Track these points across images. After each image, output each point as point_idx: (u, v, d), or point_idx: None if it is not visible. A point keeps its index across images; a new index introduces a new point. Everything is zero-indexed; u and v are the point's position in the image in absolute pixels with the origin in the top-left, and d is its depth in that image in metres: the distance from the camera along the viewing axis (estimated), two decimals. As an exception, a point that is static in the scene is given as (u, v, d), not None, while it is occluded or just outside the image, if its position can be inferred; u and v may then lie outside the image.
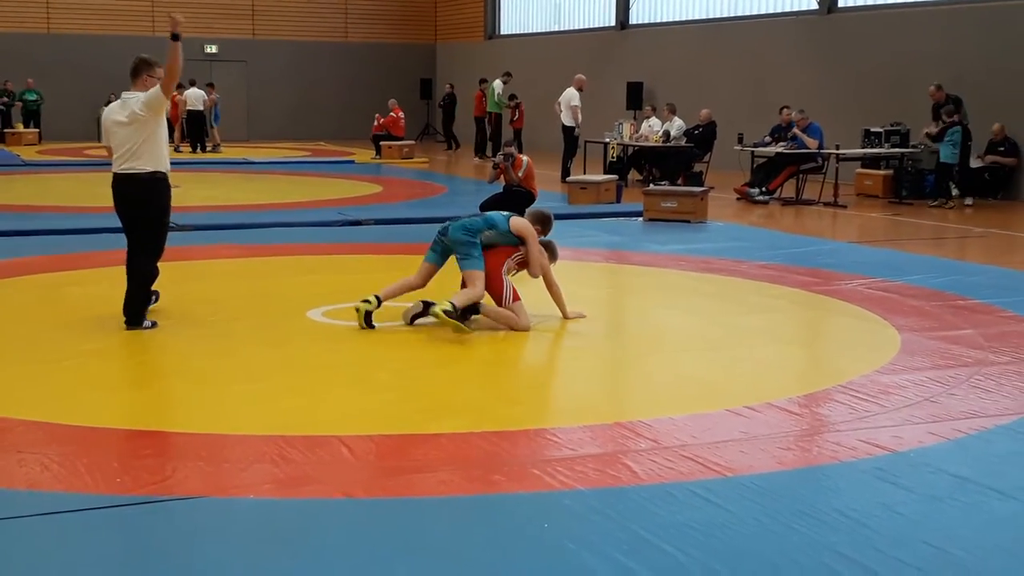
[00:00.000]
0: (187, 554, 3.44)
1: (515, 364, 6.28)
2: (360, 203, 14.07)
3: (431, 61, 31.46)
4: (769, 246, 10.32)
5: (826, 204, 14.43)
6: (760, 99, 18.82)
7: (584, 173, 16.61)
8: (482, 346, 6.27)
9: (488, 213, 7.02)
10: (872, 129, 15.68)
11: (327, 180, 17.74)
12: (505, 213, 7.02)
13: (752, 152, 15.56)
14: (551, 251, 7.08)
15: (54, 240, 10.26)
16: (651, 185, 14.56)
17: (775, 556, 3.42)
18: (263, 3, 29.88)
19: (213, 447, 4.46)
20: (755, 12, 20.37)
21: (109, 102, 30.12)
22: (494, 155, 17.58)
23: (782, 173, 15.05)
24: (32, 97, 26.34)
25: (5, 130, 25.81)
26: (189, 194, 13.10)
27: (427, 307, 6.68)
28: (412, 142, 23.35)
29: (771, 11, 20.00)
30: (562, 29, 26.35)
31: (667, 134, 16.85)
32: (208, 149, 23.49)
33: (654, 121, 17.56)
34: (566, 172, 16.99)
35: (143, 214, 6.74)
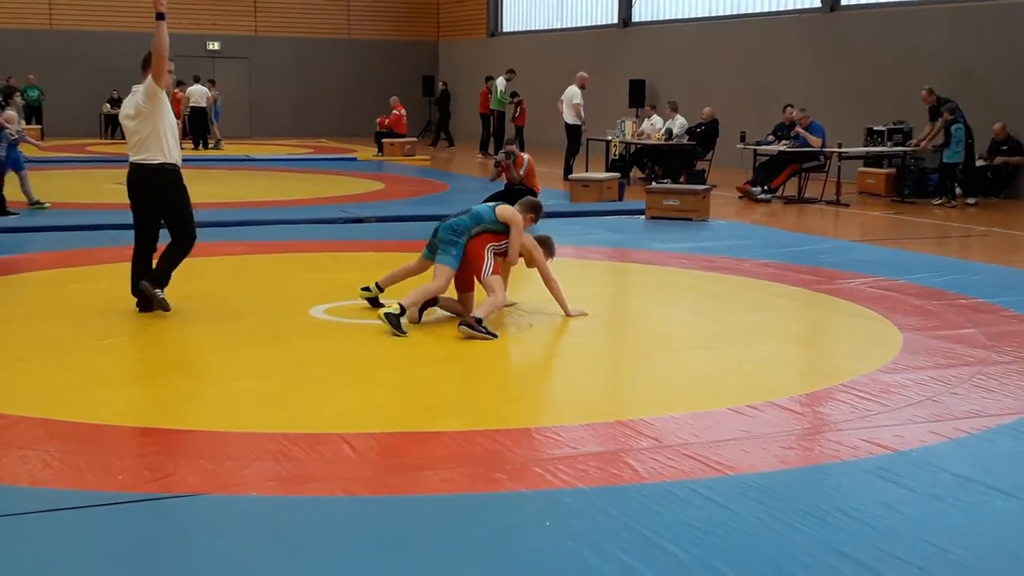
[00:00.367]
0: (189, 551, 3.44)
1: (517, 362, 6.28)
2: (362, 200, 14.08)
3: (434, 58, 31.45)
4: (771, 244, 10.31)
5: (828, 203, 14.43)
6: (763, 97, 18.81)
7: (586, 171, 16.61)
8: (484, 344, 6.27)
9: (475, 208, 6.99)
10: (875, 128, 15.67)
11: (329, 177, 17.74)
12: (491, 204, 7.07)
13: (754, 150, 15.55)
14: (548, 246, 7.08)
15: (56, 236, 10.26)
16: (653, 183, 14.55)
17: (777, 555, 3.42)
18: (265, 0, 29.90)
19: (215, 444, 4.47)
20: (758, 10, 20.36)
21: (111, 98, 30.01)
22: (496, 153, 17.58)
23: (784, 171, 15.04)
24: (33, 94, 26.34)
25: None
26: (191, 191, 13.06)
27: (434, 301, 6.82)
28: (414, 139, 23.35)
29: (774, 9, 19.99)
30: (565, 26, 26.33)
31: (669, 132, 16.85)
32: (211, 146, 23.51)
33: (656, 119, 17.55)
34: (568, 170, 16.98)
35: (158, 206, 6.91)
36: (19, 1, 27.79)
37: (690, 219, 12.04)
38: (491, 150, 21.52)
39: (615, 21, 23.98)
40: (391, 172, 18.97)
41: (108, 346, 6.16)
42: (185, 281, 8.04)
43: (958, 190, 14.43)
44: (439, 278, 6.64)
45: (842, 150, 14.85)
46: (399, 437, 4.60)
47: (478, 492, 3.98)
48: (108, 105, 27.61)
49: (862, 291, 7.94)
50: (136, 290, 6.91)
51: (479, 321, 6.34)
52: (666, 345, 6.48)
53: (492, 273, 6.70)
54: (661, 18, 22.92)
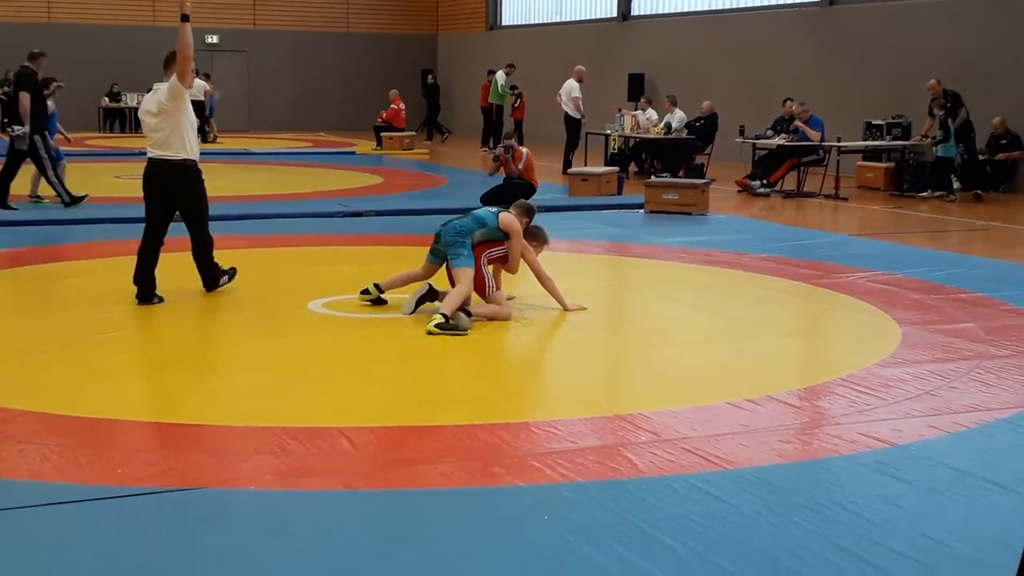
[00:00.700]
0: (188, 545, 3.44)
1: (515, 356, 6.28)
2: (361, 194, 14.06)
3: (432, 52, 31.41)
4: (770, 238, 10.31)
5: (827, 197, 14.42)
6: (762, 91, 18.79)
7: (585, 165, 16.60)
8: (483, 338, 6.27)
9: (477, 212, 7.01)
10: (874, 122, 15.66)
11: (328, 171, 17.73)
12: (493, 209, 7.06)
13: (753, 144, 15.54)
14: (539, 236, 7.09)
15: (53, 230, 10.25)
16: (652, 177, 14.54)
17: (775, 549, 3.42)
18: (264, -7, 29.87)
19: (214, 438, 4.47)
20: (757, 3, 20.33)
21: (110, 92, 30.02)
22: (494, 147, 17.56)
23: (783, 165, 15.03)
24: None
25: (5, 120, 25.78)
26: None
27: (434, 293, 6.78)
28: (413, 133, 23.32)
29: (773, 2, 19.96)
30: (564, 20, 26.29)
31: (668, 126, 16.83)
32: (209, 139, 23.49)
33: (651, 112, 17.52)
34: (568, 164, 16.97)
35: (177, 201, 7.09)
36: (18, -5, 27.76)
37: (689, 213, 12.04)
38: (491, 144, 21.49)
39: (614, 15, 23.96)
40: (390, 166, 18.95)
41: (107, 340, 6.16)
42: (183, 275, 8.04)
43: (956, 184, 14.43)
44: (464, 281, 6.57)
45: (841, 144, 14.84)
46: (398, 431, 4.60)
47: (477, 486, 3.98)
48: (107, 99, 27.58)
49: (861, 285, 7.94)
50: (137, 279, 7.03)
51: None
52: (665, 339, 6.48)
53: (496, 290, 6.74)
54: (660, 12, 22.90)
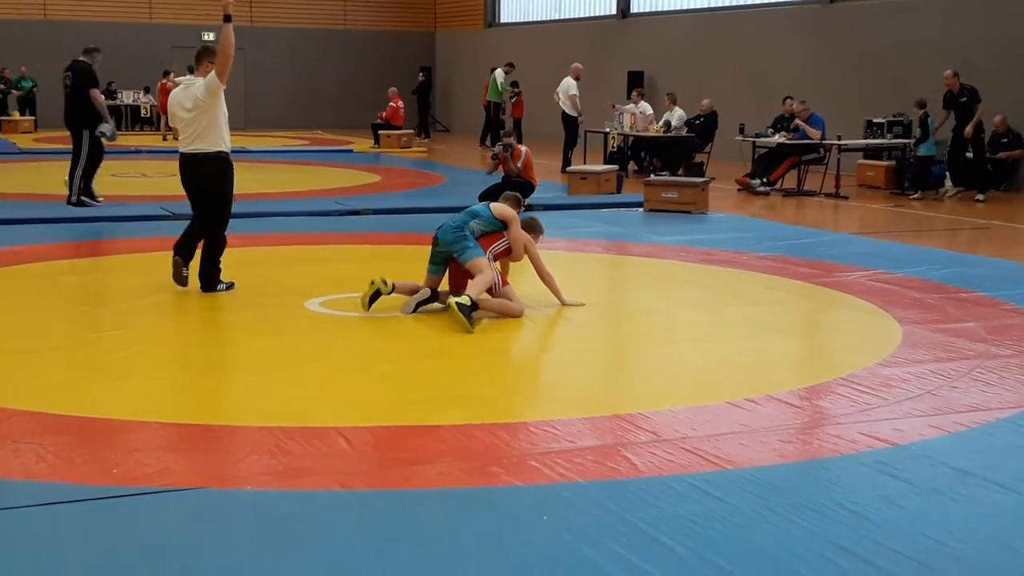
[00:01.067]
0: (184, 545, 3.41)
1: (514, 355, 6.25)
2: (359, 192, 14.04)
3: (431, 49, 31.38)
4: (770, 237, 10.29)
5: (827, 195, 14.40)
6: (762, 89, 18.78)
7: (584, 163, 16.58)
8: (481, 337, 6.25)
9: (470, 207, 7.02)
10: (874, 120, 15.64)
11: (325, 169, 17.70)
12: (485, 202, 7.05)
13: (753, 143, 15.51)
14: (535, 227, 7.09)
15: (49, 228, 10.22)
16: (652, 175, 14.52)
17: (775, 549, 3.40)
18: (261, -10, 29.83)
19: (210, 438, 4.45)
20: (757, 1, 20.31)
21: (107, 89, 30.03)
22: (493, 145, 17.54)
23: (783, 164, 15.02)
24: (27, 85, 26.26)
25: (1, 118, 25.75)
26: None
27: (435, 295, 6.72)
28: (411, 131, 23.30)
29: (773, 0, 19.94)
30: (563, 17, 26.28)
31: (668, 124, 16.80)
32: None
33: (644, 105, 17.47)
34: (567, 162, 16.95)
35: (207, 191, 7.26)
36: (14, -8, 27.72)
37: (689, 212, 12.02)
38: (489, 142, 21.47)
39: (613, 12, 23.94)
40: (388, 164, 18.93)
41: (102, 339, 6.13)
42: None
43: (948, 183, 14.44)
44: (484, 270, 6.54)
45: (841, 142, 14.82)
46: (395, 431, 4.58)
47: (475, 486, 3.96)
48: (103, 96, 27.54)
49: (861, 284, 7.92)
50: (201, 272, 7.30)
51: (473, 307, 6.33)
52: (664, 338, 6.46)
53: (504, 285, 6.72)
54: (659, 9, 22.88)
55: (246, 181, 12.18)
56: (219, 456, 4.20)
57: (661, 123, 16.92)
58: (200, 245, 7.38)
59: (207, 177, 7.22)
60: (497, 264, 6.81)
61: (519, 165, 11.76)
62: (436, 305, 6.84)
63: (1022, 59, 15.03)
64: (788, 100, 15.53)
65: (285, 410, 4.82)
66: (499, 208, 6.92)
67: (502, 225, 6.85)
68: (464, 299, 6.30)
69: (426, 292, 6.76)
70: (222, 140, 7.17)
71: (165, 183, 13.08)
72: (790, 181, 15.15)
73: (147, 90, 27.16)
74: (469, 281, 6.61)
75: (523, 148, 11.99)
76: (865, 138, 15.56)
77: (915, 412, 4.87)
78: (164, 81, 23.95)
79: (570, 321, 6.75)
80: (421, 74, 27.26)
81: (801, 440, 4.57)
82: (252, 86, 29.50)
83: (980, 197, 13.95)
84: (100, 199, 11.79)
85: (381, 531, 3.53)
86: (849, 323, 6.95)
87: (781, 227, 11.31)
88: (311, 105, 29.88)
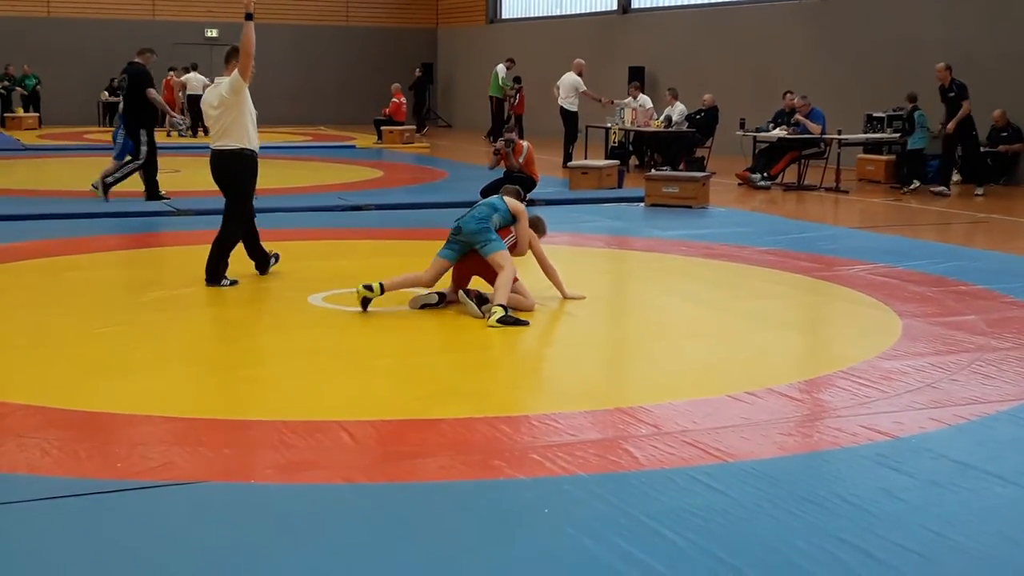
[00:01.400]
0: (187, 539, 3.43)
1: (516, 350, 6.26)
2: (361, 188, 14.04)
3: (432, 45, 31.36)
4: (771, 231, 10.30)
5: (828, 189, 14.40)
6: (762, 84, 18.76)
7: (585, 158, 16.58)
8: (483, 332, 6.27)
9: (487, 199, 7.05)
10: (874, 114, 15.63)
11: (328, 165, 17.71)
12: (497, 196, 7.08)
13: (754, 137, 15.51)
14: (539, 227, 7.13)
15: (54, 224, 10.24)
16: (653, 170, 14.53)
17: (776, 541, 3.42)
18: (264, -14, 29.82)
19: (214, 432, 4.46)
20: (758, -4, 20.29)
21: (109, 86, 30.02)
22: (495, 140, 17.54)
23: (784, 158, 15.01)
24: (31, 83, 26.28)
25: (5, 114, 25.77)
26: (189, 179, 13.08)
27: (442, 299, 6.75)
28: (413, 127, 23.29)
29: (774, -5, 19.93)
30: (564, 13, 26.25)
31: (669, 119, 16.80)
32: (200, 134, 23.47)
33: (643, 98, 17.47)
34: (568, 157, 16.96)
35: (230, 185, 7.50)
36: (18, -11, 27.72)
37: (689, 206, 12.02)
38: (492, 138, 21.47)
39: (614, 8, 23.91)
40: (390, 160, 18.93)
41: (105, 334, 6.15)
42: (184, 269, 8.04)
43: (956, 177, 14.42)
44: (506, 264, 6.57)
45: (842, 137, 14.81)
46: (398, 425, 4.60)
47: (477, 479, 3.98)
48: (106, 93, 27.53)
49: (862, 278, 7.93)
50: (252, 255, 7.71)
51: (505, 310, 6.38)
52: (665, 332, 6.48)
53: (515, 282, 6.71)
54: (660, 4, 22.85)
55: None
56: (223, 450, 4.22)
57: (662, 118, 16.91)
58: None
59: (232, 172, 7.43)
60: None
61: (520, 161, 11.77)
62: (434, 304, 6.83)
63: (1022, 53, 15.01)
64: (788, 95, 15.53)
65: (288, 404, 4.84)
66: (512, 203, 6.94)
67: (513, 219, 6.88)
68: (497, 313, 6.32)
69: (433, 296, 6.74)
70: (246, 137, 7.36)
71: (169, 179, 13.09)
72: (790, 175, 15.15)
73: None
74: (496, 282, 6.57)
75: (524, 144, 11.99)
76: (865, 132, 15.55)
77: (915, 405, 4.88)
78: (169, 78, 23.95)
79: (571, 315, 6.77)
80: (418, 70, 27.26)
81: (802, 433, 4.58)
82: (254, 82, 29.00)
83: (979, 191, 13.91)
84: (107, 199, 11.84)
85: (383, 524, 3.55)
86: (849, 316, 6.96)
87: (782, 221, 11.32)
88: (313, 101, 29.86)
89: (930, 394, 5.05)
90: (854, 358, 5.67)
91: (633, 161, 17.53)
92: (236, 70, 7.30)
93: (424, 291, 6.77)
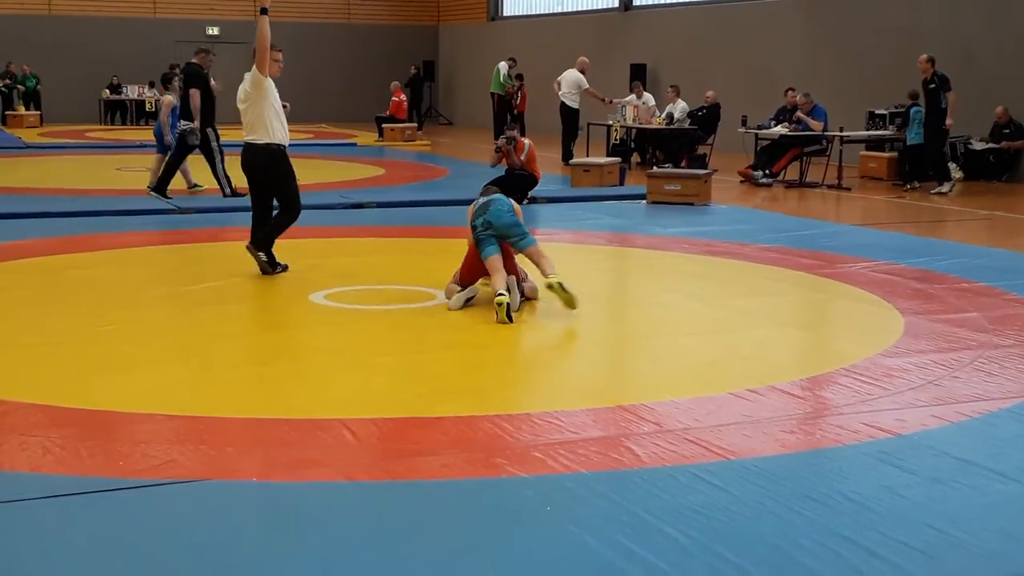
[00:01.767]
0: (189, 537, 3.43)
1: (518, 347, 6.26)
2: (362, 186, 14.04)
3: (434, 42, 31.36)
4: (773, 229, 10.29)
5: (830, 187, 14.39)
6: (764, 81, 18.75)
7: (587, 155, 16.58)
8: (484, 330, 6.26)
9: (497, 196, 7.04)
10: (876, 111, 15.62)
11: (329, 162, 17.71)
12: (499, 194, 7.11)
13: (756, 134, 15.50)
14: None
15: (55, 222, 10.25)
16: (655, 168, 14.52)
17: (778, 539, 3.41)
18: (265, -16, 29.78)
19: (216, 430, 4.46)
20: (759, -7, 20.27)
21: (111, 84, 30.00)
22: (495, 139, 17.53)
23: (786, 155, 15.01)
24: (31, 84, 26.29)
25: (6, 112, 25.79)
26: (195, 177, 13.07)
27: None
28: (415, 124, 23.29)
29: (775, -8, 19.91)
30: (566, 10, 26.25)
31: (670, 116, 16.79)
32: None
33: (647, 97, 17.47)
34: (569, 154, 16.95)
35: (265, 180, 7.67)
36: (18, -13, 27.73)
37: (691, 204, 12.02)
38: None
39: (616, 5, 23.90)
40: (391, 157, 18.93)
41: (107, 332, 6.15)
42: (186, 267, 8.04)
43: (959, 174, 14.41)
44: (542, 256, 6.75)
45: (844, 134, 14.80)
46: (400, 422, 4.60)
47: (479, 477, 3.97)
48: (107, 91, 27.55)
49: (864, 275, 7.93)
50: (249, 244, 7.72)
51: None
52: (667, 330, 6.47)
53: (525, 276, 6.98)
54: (662, 1, 22.84)
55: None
56: (224, 448, 4.22)
57: (663, 115, 16.91)
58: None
59: (263, 168, 7.59)
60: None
61: (522, 158, 11.76)
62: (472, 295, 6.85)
63: (1025, 49, 15.00)
64: (790, 92, 15.52)
65: (290, 402, 4.84)
66: (514, 202, 7.07)
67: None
68: (560, 278, 6.50)
69: (476, 289, 6.82)
70: (270, 131, 7.50)
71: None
72: (792, 173, 15.14)
73: (151, 85, 27.15)
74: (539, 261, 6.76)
75: (526, 141, 11.98)
76: (867, 129, 15.54)
77: (917, 402, 4.88)
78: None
79: (573, 313, 6.75)
80: (413, 67, 27.27)
81: (804, 430, 4.58)
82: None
83: (942, 190, 13.62)
84: (171, 199, 12.02)
85: (385, 522, 3.55)
86: (851, 314, 6.95)
87: (783, 218, 11.31)
88: (315, 99, 29.78)
89: (932, 391, 5.05)
90: (856, 355, 5.66)
91: (635, 158, 17.53)
92: (255, 65, 7.49)
93: (458, 289, 6.79)
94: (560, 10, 26.47)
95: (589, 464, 4.05)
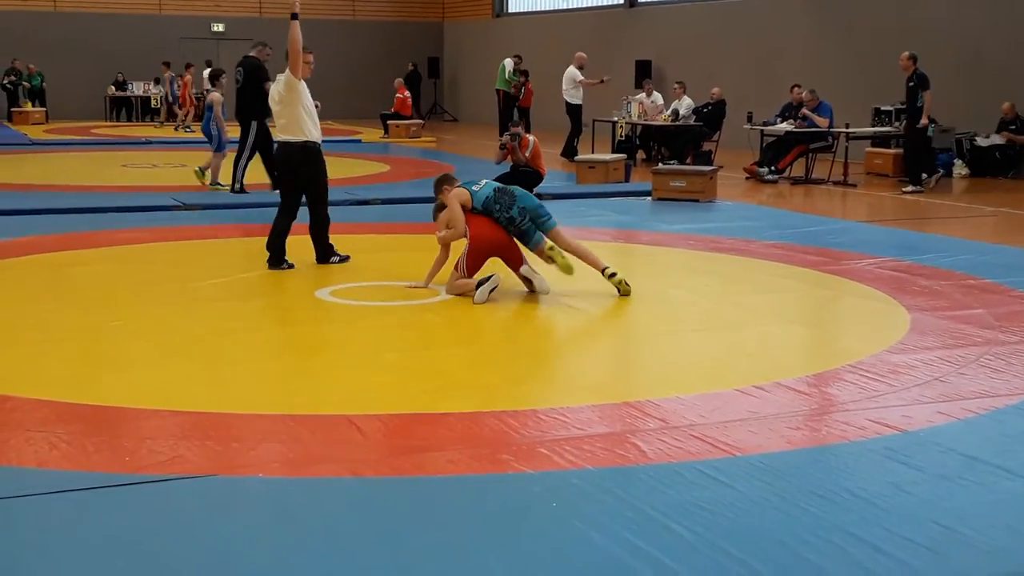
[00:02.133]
0: (195, 533, 3.44)
1: (523, 343, 6.26)
2: (367, 182, 14.05)
3: (439, 39, 31.36)
4: (778, 225, 10.28)
5: (835, 183, 14.37)
6: (769, 77, 18.72)
7: (593, 152, 16.57)
8: (490, 326, 6.27)
9: (501, 186, 7.14)
10: (882, 108, 15.59)
11: (334, 159, 17.62)
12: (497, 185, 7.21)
13: (761, 131, 15.48)
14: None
15: (60, 219, 10.26)
16: (660, 164, 14.50)
17: (784, 535, 3.41)
18: (270, -19, 29.80)
19: (222, 426, 4.47)
20: (764, -11, 20.24)
21: (116, 81, 29.98)
22: (501, 135, 17.53)
23: (791, 152, 14.98)
24: (36, 82, 26.33)
25: (12, 109, 25.82)
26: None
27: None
28: (420, 121, 23.29)
29: (781, -12, 19.88)
30: (571, 7, 26.23)
31: (676, 113, 16.78)
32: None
33: (656, 95, 17.47)
34: (573, 151, 16.94)
35: (299, 177, 7.90)
36: (24, -17, 27.78)
37: (697, 200, 12.01)
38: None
39: (621, 1, 23.88)
40: (396, 154, 18.93)
41: (112, 328, 6.16)
42: (191, 264, 8.05)
43: (965, 170, 14.37)
44: (567, 238, 7.19)
45: (849, 130, 14.77)
46: (406, 419, 4.60)
47: (485, 473, 3.97)
48: (113, 88, 27.58)
49: (869, 272, 7.92)
50: (269, 246, 7.85)
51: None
52: (672, 326, 6.47)
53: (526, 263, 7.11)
54: (667, -2, 22.83)
55: (256, 172, 12.23)
56: (231, 444, 4.23)
57: (669, 111, 16.89)
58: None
59: (299, 165, 7.81)
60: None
61: (527, 154, 11.75)
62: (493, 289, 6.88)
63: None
64: (796, 88, 15.48)
65: (296, 398, 4.84)
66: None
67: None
68: (614, 270, 7.01)
69: (498, 278, 6.87)
70: (304, 130, 7.75)
71: (176, 173, 13.10)
72: (798, 169, 15.11)
73: (156, 81, 27.18)
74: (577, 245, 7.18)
75: (531, 137, 11.97)
76: (873, 126, 15.51)
77: (923, 398, 4.87)
78: (186, 76, 23.95)
79: (578, 309, 6.76)
80: (411, 64, 27.28)
81: (809, 427, 4.57)
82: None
83: (908, 188, 13.52)
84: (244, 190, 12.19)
85: (391, 518, 3.55)
86: (857, 310, 6.94)
87: (789, 215, 11.30)
88: (319, 96, 29.62)
89: (938, 388, 5.04)
90: (862, 352, 5.65)
91: (640, 155, 17.51)
92: (288, 68, 7.73)
93: (469, 283, 6.85)
94: (565, 6, 26.46)
95: (595, 460, 4.05)
